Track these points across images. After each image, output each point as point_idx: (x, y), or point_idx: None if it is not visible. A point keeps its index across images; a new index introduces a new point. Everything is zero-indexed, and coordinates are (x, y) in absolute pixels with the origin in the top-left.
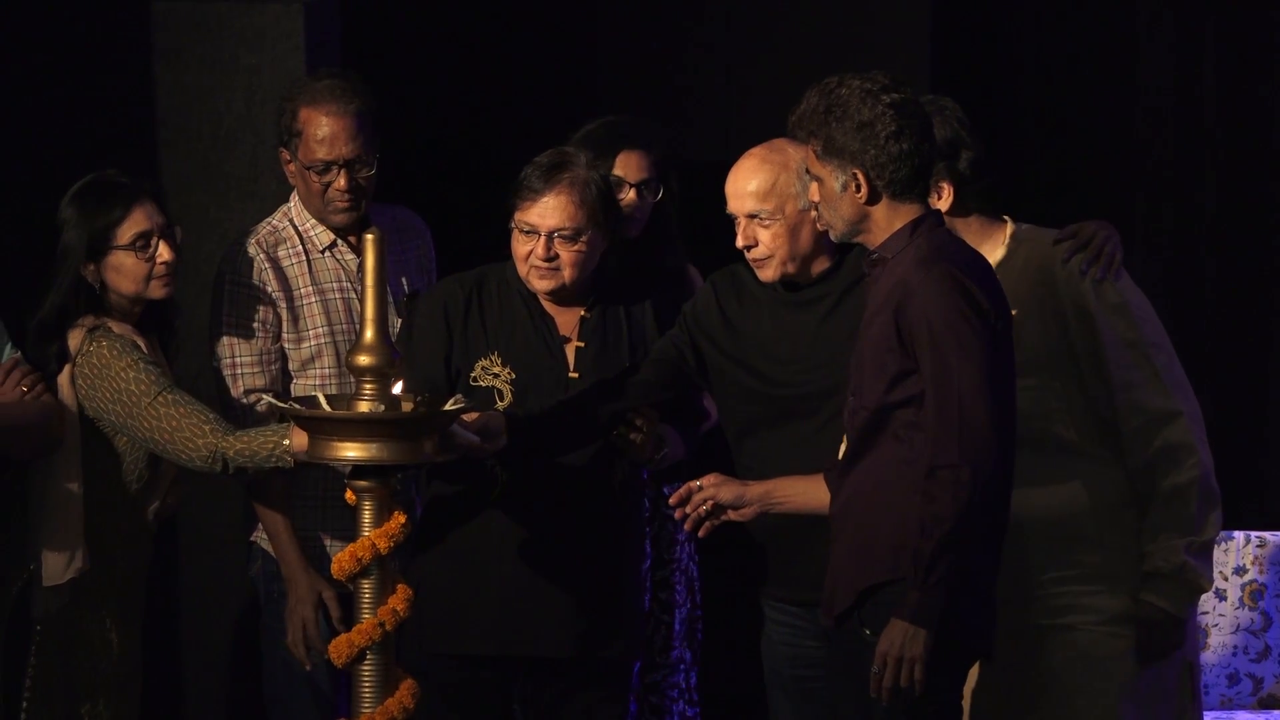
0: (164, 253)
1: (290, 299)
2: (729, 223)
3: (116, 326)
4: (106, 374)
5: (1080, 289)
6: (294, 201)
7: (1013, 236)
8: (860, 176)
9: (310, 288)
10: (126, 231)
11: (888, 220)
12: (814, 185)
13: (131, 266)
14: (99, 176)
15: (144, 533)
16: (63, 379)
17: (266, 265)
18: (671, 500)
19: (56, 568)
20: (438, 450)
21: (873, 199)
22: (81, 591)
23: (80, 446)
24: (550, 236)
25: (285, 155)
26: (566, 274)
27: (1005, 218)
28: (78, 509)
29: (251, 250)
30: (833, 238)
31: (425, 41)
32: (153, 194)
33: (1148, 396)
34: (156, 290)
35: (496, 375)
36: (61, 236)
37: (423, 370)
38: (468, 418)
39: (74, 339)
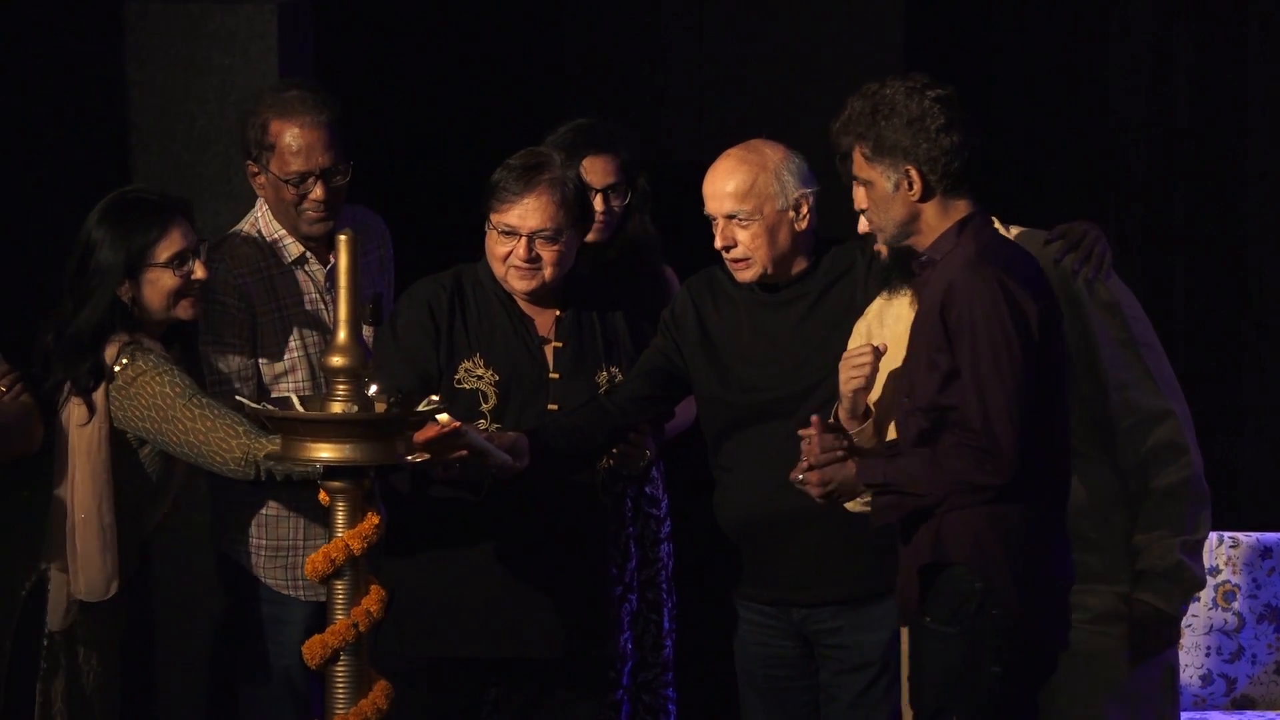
0: (198, 271)
1: (261, 314)
2: (702, 223)
3: (148, 342)
4: (142, 383)
5: (1073, 289)
6: (261, 212)
7: None
8: (913, 173)
9: (280, 302)
10: (164, 250)
11: (938, 220)
12: (860, 191)
13: (167, 284)
14: (129, 194)
15: (139, 545)
16: (98, 396)
17: (237, 282)
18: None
19: (97, 585)
20: (464, 465)
21: (926, 195)
22: (92, 604)
23: (110, 463)
24: (531, 238)
25: (254, 168)
26: (547, 273)
27: (993, 219)
28: (114, 527)
29: (221, 267)
30: (882, 242)
31: (398, 42)
32: (185, 211)
33: (1140, 396)
34: (185, 311)
35: (480, 377)
36: (93, 256)
37: (416, 367)
38: (499, 438)
39: (109, 355)
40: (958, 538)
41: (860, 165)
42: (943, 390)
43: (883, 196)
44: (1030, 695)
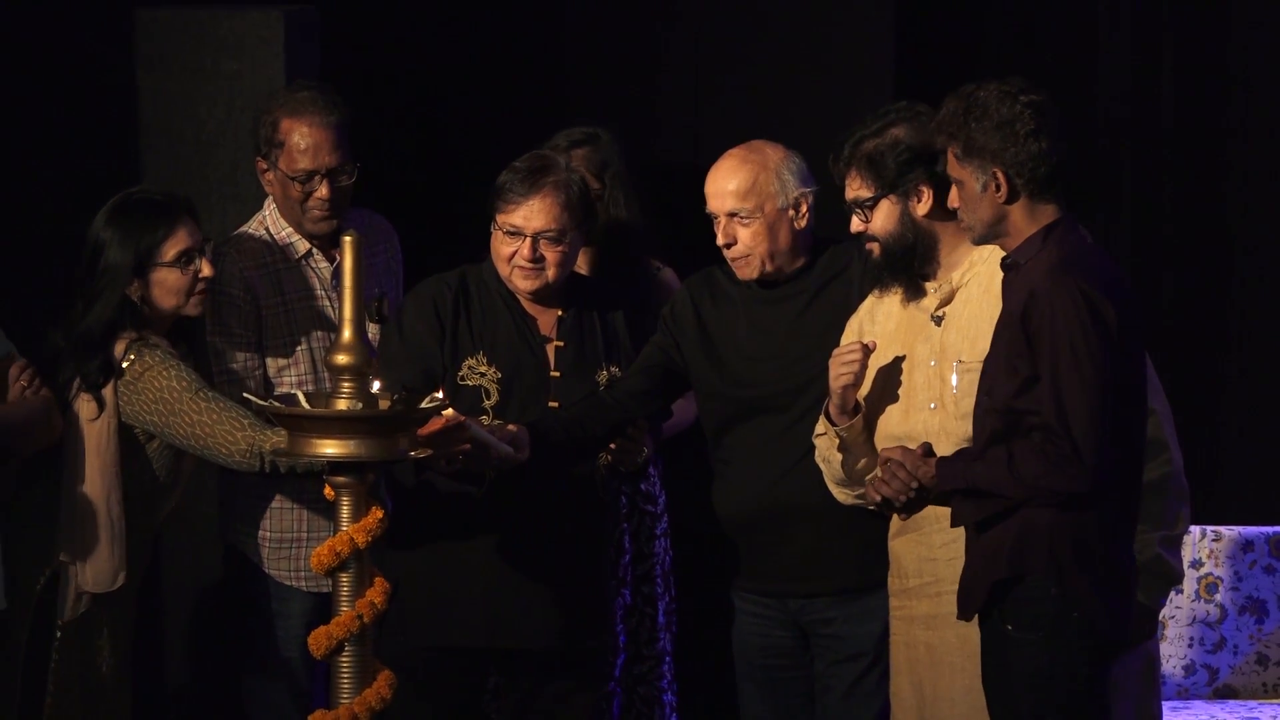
0: (204, 269)
1: (266, 308)
2: (700, 222)
3: (154, 338)
4: (149, 377)
5: None
6: (269, 210)
7: None
8: (1000, 175)
9: (285, 297)
10: (171, 249)
11: (1025, 223)
12: (953, 190)
13: (175, 282)
14: (135, 194)
15: (151, 538)
16: (108, 391)
17: (243, 275)
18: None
19: (104, 577)
20: (466, 459)
21: (1012, 198)
22: (102, 595)
23: (119, 458)
24: (536, 238)
25: (263, 165)
26: (551, 273)
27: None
28: (121, 520)
29: (229, 261)
30: (971, 241)
31: (403, 47)
32: (190, 210)
33: None
34: (193, 308)
35: (483, 375)
36: (102, 256)
37: (421, 364)
38: (500, 431)
39: (117, 351)
40: (1032, 549)
41: (952, 165)
42: (1019, 395)
43: (972, 196)
44: (1105, 691)
